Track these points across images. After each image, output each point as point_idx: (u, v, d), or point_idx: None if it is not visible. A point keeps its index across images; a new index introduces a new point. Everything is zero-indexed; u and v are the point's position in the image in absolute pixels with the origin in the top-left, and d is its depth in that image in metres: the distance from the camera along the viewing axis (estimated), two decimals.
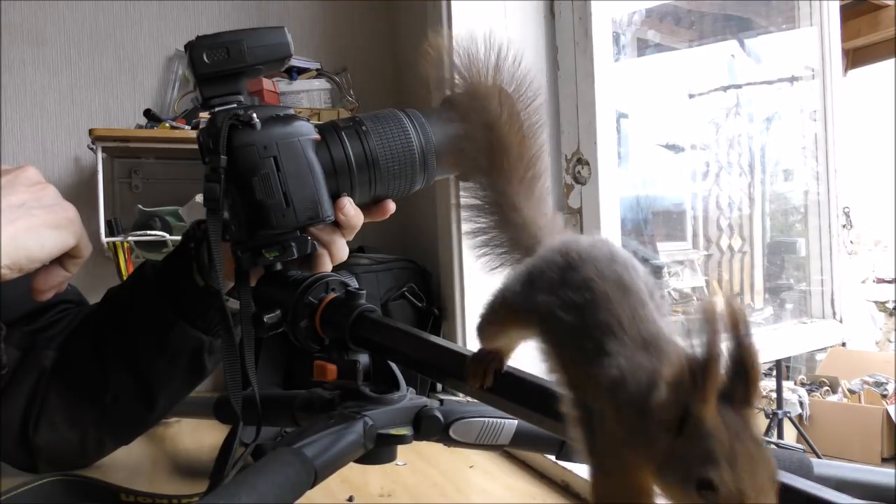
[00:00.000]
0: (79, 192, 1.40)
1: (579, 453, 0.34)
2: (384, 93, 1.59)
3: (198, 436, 1.01)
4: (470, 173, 0.48)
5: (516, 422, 0.58)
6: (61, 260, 0.58)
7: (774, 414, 3.54)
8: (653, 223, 1.82)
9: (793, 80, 1.91)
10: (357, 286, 0.57)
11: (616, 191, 1.19)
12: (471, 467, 0.85)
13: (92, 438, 0.73)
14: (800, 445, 3.53)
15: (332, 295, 0.58)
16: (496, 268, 0.48)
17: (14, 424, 0.71)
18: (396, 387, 0.57)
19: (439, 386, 1.16)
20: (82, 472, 0.74)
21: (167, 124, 1.32)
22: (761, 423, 3.64)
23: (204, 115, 1.24)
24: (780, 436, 3.56)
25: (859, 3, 3.86)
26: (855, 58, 4.31)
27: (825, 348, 4.08)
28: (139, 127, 1.36)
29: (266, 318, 0.57)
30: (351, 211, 0.62)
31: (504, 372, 0.45)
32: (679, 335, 0.33)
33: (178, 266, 0.70)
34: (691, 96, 2.00)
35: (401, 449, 0.57)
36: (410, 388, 0.58)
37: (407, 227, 1.48)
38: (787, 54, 1.91)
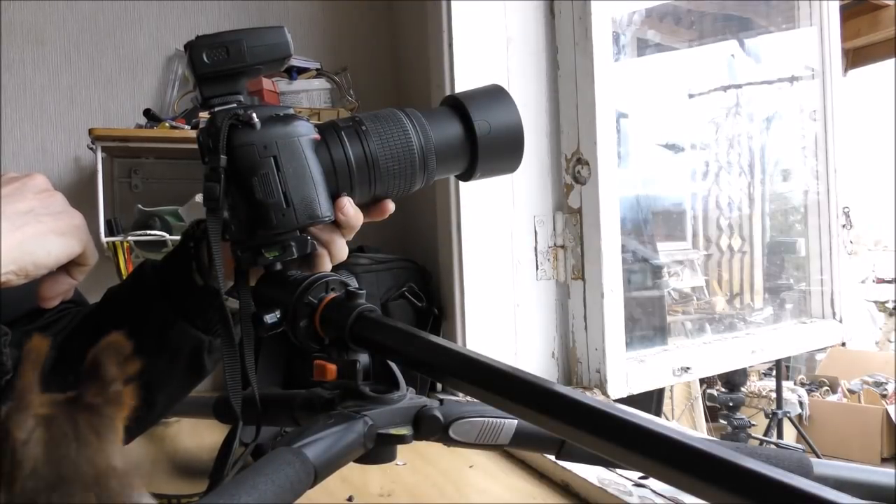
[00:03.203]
0: (79, 192, 1.40)
1: None
2: (384, 93, 1.60)
3: (198, 436, 1.01)
4: None
5: (516, 421, 0.58)
6: (67, 267, 0.58)
7: (774, 414, 3.54)
8: (653, 223, 1.82)
9: (793, 80, 1.92)
10: (357, 286, 0.57)
11: (616, 191, 1.19)
12: (471, 467, 0.85)
13: None
14: (800, 445, 3.54)
15: (331, 294, 0.57)
16: None
17: None
18: (396, 386, 0.57)
19: (439, 386, 1.16)
20: None
21: (167, 124, 1.32)
22: (761, 422, 3.65)
23: (203, 115, 1.24)
24: (780, 436, 3.57)
25: (859, 3, 3.85)
26: (855, 58, 4.31)
27: (825, 348, 4.08)
28: (139, 126, 1.36)
29: (266, 317, 0.57)
30: (350, 211, 0.62)
31: (502, 370, 0.45)
32: None
33: (178, 265, 0.70)
34: (691, 96, 2.00)
35: (400, 449, 0.57)
36: (410, 388, 0.58)
37: (407, 227, 1.48)
38: (787, 54, 1.91)
